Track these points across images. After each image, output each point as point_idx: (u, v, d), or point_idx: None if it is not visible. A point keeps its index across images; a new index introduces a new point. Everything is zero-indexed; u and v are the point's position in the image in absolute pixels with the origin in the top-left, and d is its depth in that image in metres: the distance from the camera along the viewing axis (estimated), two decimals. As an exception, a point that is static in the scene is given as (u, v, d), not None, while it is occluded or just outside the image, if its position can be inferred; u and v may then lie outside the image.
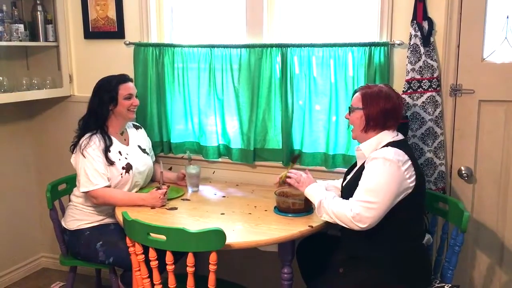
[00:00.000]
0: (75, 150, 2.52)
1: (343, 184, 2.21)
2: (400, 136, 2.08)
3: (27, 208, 3.39)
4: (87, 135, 2.50)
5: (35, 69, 3.14)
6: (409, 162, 1.95)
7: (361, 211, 1.90)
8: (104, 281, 2.99)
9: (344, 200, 2.01)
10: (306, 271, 2.41)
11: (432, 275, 2.18)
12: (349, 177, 2.18)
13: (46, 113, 3.32)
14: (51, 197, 2.66)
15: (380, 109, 2.02)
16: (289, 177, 2.23)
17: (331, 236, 2.36)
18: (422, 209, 2.12)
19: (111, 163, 2.49)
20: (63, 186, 2.77)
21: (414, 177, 1.95)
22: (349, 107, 2.14)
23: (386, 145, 2.01)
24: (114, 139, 2.57)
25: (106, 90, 2.53)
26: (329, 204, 2.01)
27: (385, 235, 1.95)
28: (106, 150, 2.49)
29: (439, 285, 2.09)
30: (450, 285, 2.07)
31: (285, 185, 2.30)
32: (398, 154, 1.94)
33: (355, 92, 2.15)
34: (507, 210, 2.43)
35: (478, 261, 2.53)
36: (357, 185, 1.98)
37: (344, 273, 2.06)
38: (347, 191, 2.09)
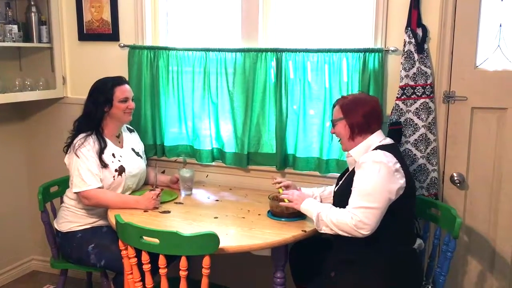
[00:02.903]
0: (69, 150, 2.50)
1: (335, 190, 2.22)
2: (389, 141, 2.11)
3: (18, 210, 3.36)
4: (82, 135, 2.49)
5: (28, 70, 3.12)
6: (398, 164, 1.97)
7: (362, 217, 1.90)
8: (95, 285, 2.97)
9: (341, 208, 2.00)
10: (297, 275, 2.41)
11: (423, 280, 2.18)
12: (341, 182, 2.20)
13: (38, 115, 3.30)
14: (43, 199, 2.64)
15: (360, 114, 2.06)
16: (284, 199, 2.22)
17: (324, 240, 2.36)
18: (412, 213, 2.13)
19: (104, 165, 2.47)
20: (55, 188, 2.75)
21: (404, 179, 1.97)
22: (331, 121, 2.19)
23: (375, 149, 2.03)
24: (108, 142, 2.55)
25: (102, 92, 2.51)
26: (327, 215, 1.99)
27: (376, 239, 1.95)
28: (100, 153, 2.47)
29: (431, 291, 2.10)
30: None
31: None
32: (387, 156, 1.97)
33: (333, 106, 2.20)
34: (498, 217, 2.44)
35: (470, 267, 2.54)
36: (349, 190, 1.99)
37: (336, 277, 2.06)
38: (339, 196, 2.11)
